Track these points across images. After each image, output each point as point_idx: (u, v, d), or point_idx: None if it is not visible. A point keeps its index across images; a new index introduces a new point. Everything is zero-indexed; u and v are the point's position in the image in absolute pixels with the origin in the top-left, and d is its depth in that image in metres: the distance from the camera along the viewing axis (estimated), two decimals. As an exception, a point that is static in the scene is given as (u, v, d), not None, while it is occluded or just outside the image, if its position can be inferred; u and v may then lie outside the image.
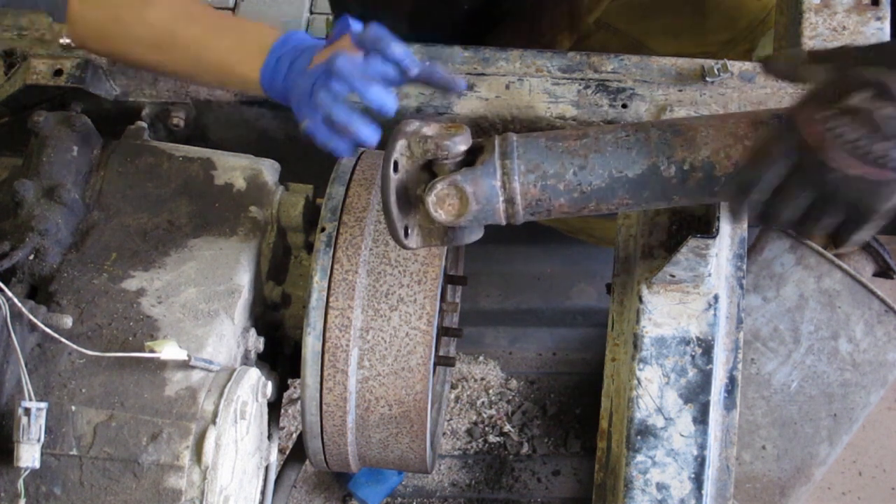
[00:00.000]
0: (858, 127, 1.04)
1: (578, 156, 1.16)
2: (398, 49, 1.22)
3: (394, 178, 1.13)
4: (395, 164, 1.14)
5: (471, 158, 1.18)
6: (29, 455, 1.13)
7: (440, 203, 1.15)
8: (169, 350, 1.20)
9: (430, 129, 1.17)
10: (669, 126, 1.17)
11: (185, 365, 1.21)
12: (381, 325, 1.34)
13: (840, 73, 1.08)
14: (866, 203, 1.09)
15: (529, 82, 1.53)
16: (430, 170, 1.17)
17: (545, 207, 1.18)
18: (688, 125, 1.17)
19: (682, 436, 1.34)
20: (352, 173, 1.43)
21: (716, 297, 1.38)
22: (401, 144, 1.14)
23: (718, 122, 1.16)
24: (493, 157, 1.16)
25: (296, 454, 1.58)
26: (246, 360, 1.37)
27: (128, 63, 1.50)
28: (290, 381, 1.61)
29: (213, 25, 1.36)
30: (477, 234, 1.23)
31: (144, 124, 1.51)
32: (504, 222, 1.19)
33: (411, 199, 1.16)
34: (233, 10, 2.95)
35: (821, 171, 1.07)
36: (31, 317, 1.17)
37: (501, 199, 1.16)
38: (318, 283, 1.34)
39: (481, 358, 2.32)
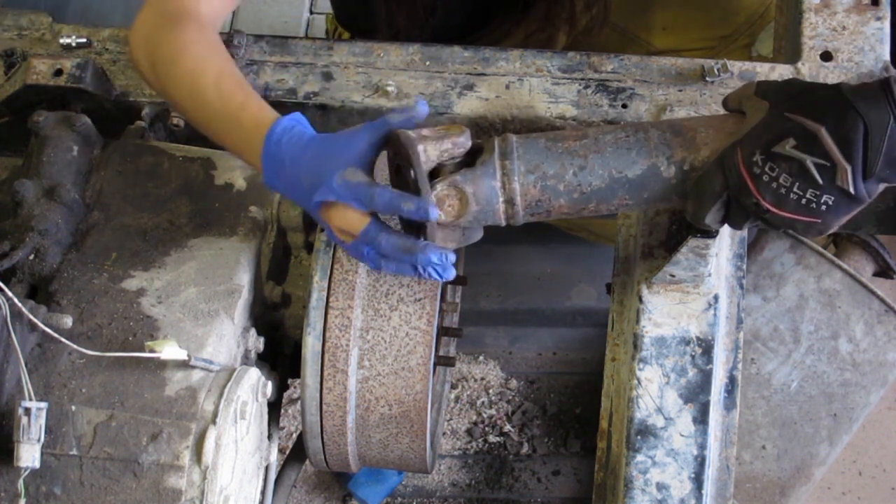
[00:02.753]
0: (787, 175, 1.06)
1: (578, 156, 1.16)
2: (410, 204, 1.14)
3: (424, 162, 1.13)
4: (400, 168, 1.14)
5: (469, 160, 1.18)
6: (29, 455, 1.13)
7: (440, 204, 1.15)
8: (169, 350, 1.20)
9: (429, 132, 1.17)
10: (669, 126, 1.17)
11: (185, 365, 1.21)
12: (381, 324, 1.34)
13: (776, 116, 1.09)
14: (804, 234, 1.13)
15: (529, 82, 1.53)
16: (435, 174, 1.17)
17: (545, 208, 1.18)
18: (687, 125, 1.17)
19: (682, 436, 1.34)
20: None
21: (716, 297, 1.38)
22: (421, 150, 1.14)
23: (718, 123, 1.17)
24: (492, 157, 1.16)
25: (296, 454, 1.58)
26: (246, 360, 1.37)
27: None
28: (290, 381, 1.61)
29: (220, 112, 1.29)
30: (478, 235, 1.23)
31: (144, 124, 1.51)
32: (504, 223, 1.19)
33: None
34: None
35: (756, 209, 1.10)
36: (31, 317, 1.17)
37: (501, 199, 1.16)
38: (318, 282, 1.34)
39: (481, 358, 2.32)
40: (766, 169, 1.08)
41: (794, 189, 1.07)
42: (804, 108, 1.07)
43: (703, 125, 1.17)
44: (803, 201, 1.08)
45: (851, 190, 1.06)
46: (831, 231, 1.12)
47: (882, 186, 1.08)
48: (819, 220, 1.09)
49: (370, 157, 1.19)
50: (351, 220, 1.17)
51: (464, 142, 1.16)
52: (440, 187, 1.14)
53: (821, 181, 1.06)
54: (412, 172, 1.14)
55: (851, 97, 1.05)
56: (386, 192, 1.14)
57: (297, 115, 1.24)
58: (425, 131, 1.16)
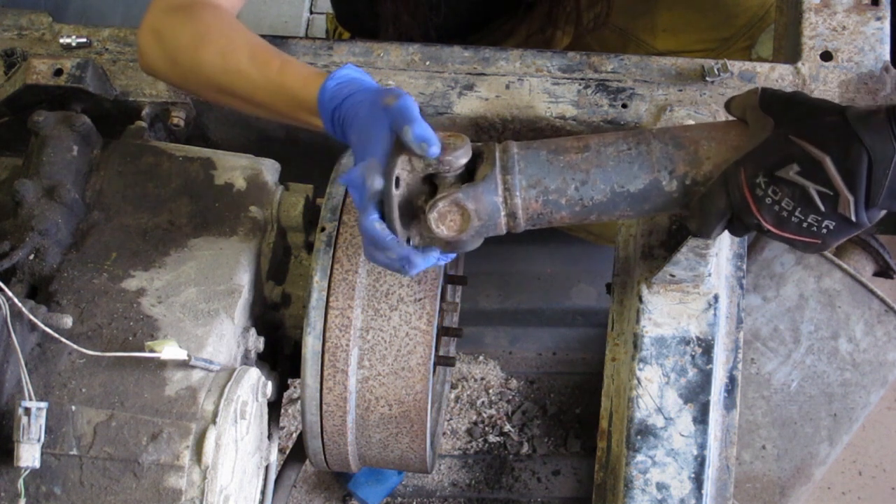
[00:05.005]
0: (790, 200, 1.07)
1: (580, 170, 1.16)
2: (392, 253, 1.15)
3: (396, 195, 1.13)
4: (397, 179, 1.13)
5: (470, 164, 1.17)
6: (29, 455, 1.13)
7: (442, 219, 1.15)
8: (169, 350, 1.20)
9: None
10: (672, 138, 1.16)
11: (185, 365, 1.21)
12: (381, 324, 1.34)
13: (780, 138, 1.09)
14: (803, 251, 1.13)
15: (529, 82, 1.53)
16: (430, 180, 1.16)
17: (546, 220, 1.18)
18: (690, 138, 1.16)
19: (682, 435, 1.34)
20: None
21: (716, 297, 1.38)
22: (402, 160, 1.13)
23: (721, 135, 1.15)
24: (493, 171, 1.15)
25: (296, 454, 1.58)
26: (246, 360, 1.37)
27: (205, 100, 1.45)
28: (290, 381, 1.61)
29: (262, 81, 1.29)
30: (477, 243, 1.23)
31: (144, 124, 1.51)
32: (504, 232, 1.20)
33: (414, 211, 1.16)
34: (233, 9, 2.94)
35: (758, 228, 1.11)
36: (31, 317, 1.17)
37: (503, 213, 1.16)
38: (318, 282, 1.34)
39: (481, 358, 2.32)
40: (769, 192, 1.08)
41: (796, 213, 1.07)
42: (809, 133, 1.06)
43: (705, 137, 1.15)
44: (804, 224, 1.08)
45: (853, 218, 1.06)
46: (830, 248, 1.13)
47: (883, 212, 1.07)
48: (819, 242, 1.10)
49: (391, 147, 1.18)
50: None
51: (452, 160, 1.14)
52: (442, 204, 1.14)
53: (823, 208, 1.06)
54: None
55: (857, 127, 1.04)
56: (374, 224, 1.13)
57: (350, 65, 1.24)
58: None
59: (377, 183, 1.12)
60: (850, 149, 1.04)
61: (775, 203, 1.08)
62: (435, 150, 1.13)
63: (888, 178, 1.04)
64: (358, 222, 1.16)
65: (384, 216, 1.13)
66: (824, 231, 1.08)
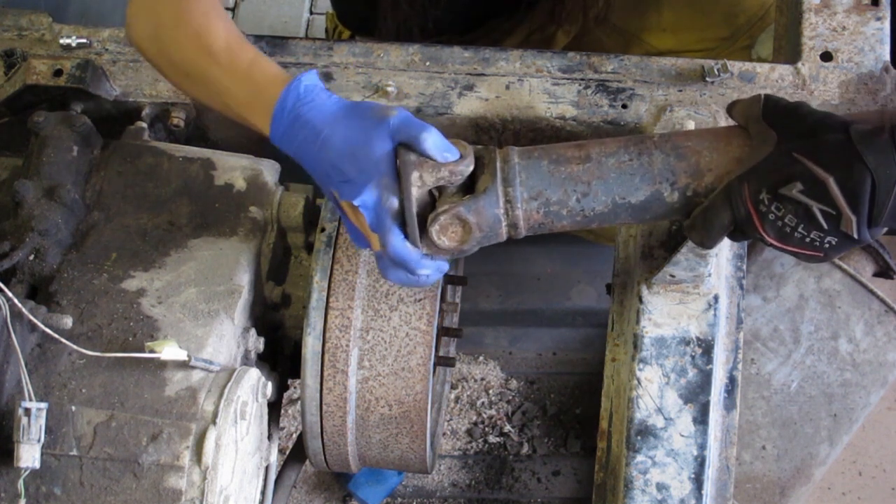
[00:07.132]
0: (793, 216, 1.08)
1: (581, 182, 1.16)
2: (411, 265, 1.17)
3: (415, 213, 1.13)
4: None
5: (473, 172, 1.17)
6: (29, 455, 1.13)
7: (443, 231, 1.15)
8: (169, 350, 1.20)
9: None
10: (673, 148, 1.16)
11: (185, 365, 1.22)
12: (381, 325, 1.34)
13: (784, 154, 1.08)
14: (805, 261, 1.14)
15: (529, 82, 1.53)
16: (430, 191, 1.17)
17: (548, 228, 1.19)
18: (691, 149, 1.15)
19: (682, 436, 1.34)
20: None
21: (716, 298, 1.38)
22: (415, 177, 1.14)
23: (723, 146, 1.15)
24: (495, 184, 1.15)
25: (296, 454, 1.58)
26: (246, 361, 1.37)
27: (172, 84, 1.41)
28: (290, 381, 1.61)
29: (230, 68, 1.26)
30: (477, 248, 1.23)
31: (144, 124, 1.51)
32: (504, 240, 1.20)
33: (420, 223, 1.16)
34: (233, 10, 2.95)
35: (761, 240, 1.12)
36: (31, 317, 1.17)
37: (504, 224, 1.17)
38: (318, 283, 1.34)
39: (481, 358, 2.32)
40: (773, 208, 1.08)
41: (799, 229, 1.08)
42: (813, 152, 1.06)
43: (707, 147, 1.15)
44: (807, 240, 1.09)
45: (855, 236, 1.06)
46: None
47: (885, 230, 1.08)
48: (821, 255, 1.11)
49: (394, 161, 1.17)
50: (367, 230, 1.17)
51: (463, 169, 1.15)
52: (444, 217, 1.14)
53: (826, 226, 1.07)
54: (404, 204, 1.14)
55: (861, 148, 1.04)
56: (404, 244, 1.14)
57: (314, 73, 1.20)
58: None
59: (394, 202, 1.13)
60: (854, 170, 1.04)
61: (778, 219, 1.08)
62: (455, 154, 1.13)
63: (891, 200, 1.04)
64: (381, 244, 1.15)
65: (410, 239, 1.14)
66: (826, 246, 1.09)
